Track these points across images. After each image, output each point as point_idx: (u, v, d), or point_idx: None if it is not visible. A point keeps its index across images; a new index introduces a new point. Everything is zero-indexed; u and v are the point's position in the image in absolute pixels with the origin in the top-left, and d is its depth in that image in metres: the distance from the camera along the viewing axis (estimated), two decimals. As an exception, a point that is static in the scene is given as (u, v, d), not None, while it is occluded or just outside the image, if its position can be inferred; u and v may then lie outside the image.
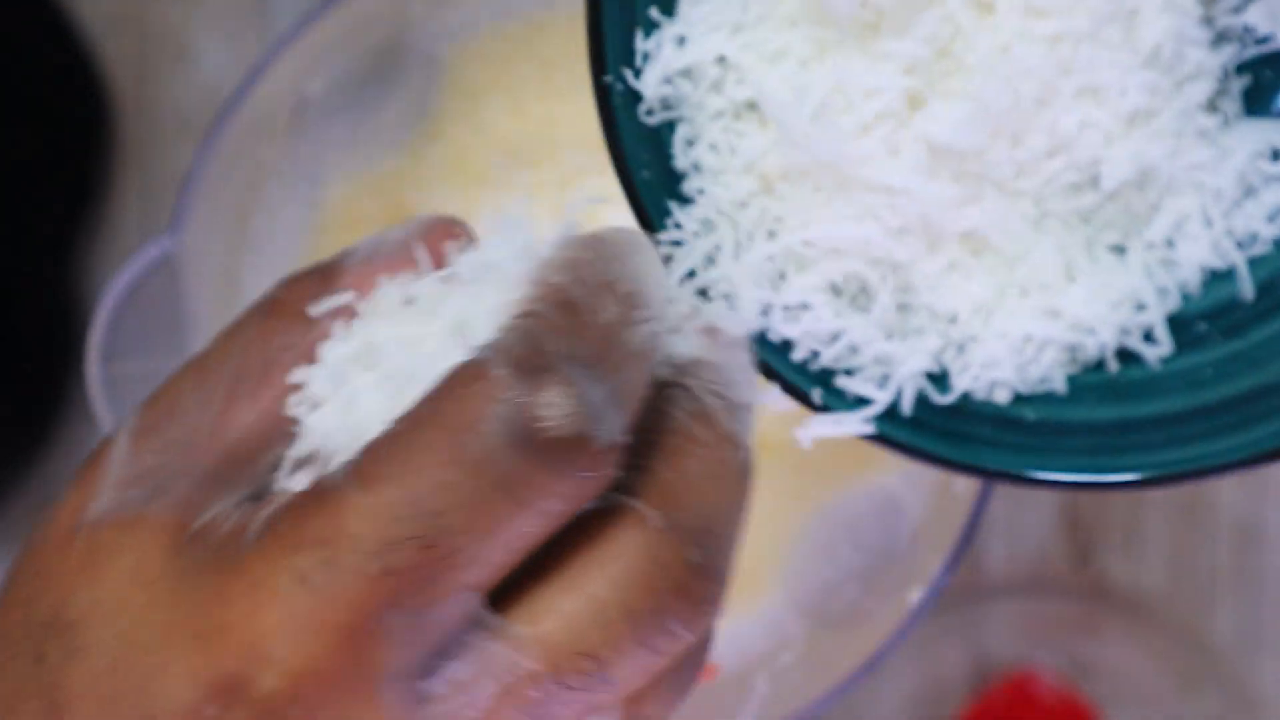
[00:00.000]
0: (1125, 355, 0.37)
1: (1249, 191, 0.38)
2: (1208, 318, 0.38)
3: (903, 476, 0.52)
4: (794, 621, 0.53)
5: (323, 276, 0.31)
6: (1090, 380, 0.37)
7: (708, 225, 0.35)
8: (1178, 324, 0.37)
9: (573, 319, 0.27)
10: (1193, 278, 0.38)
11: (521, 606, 0.27)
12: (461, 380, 0.26)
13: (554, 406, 0.26)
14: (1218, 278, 0.38)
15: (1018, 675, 0.64)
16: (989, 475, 0.37)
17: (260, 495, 0.29)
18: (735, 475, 0.29)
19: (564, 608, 0.27)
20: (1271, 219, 0.37)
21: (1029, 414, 0.37)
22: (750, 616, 0.53)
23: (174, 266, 0.49)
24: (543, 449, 0.26)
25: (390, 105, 0.53)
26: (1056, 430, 0.37)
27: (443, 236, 0.31)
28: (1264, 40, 0.38)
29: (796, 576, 0.53)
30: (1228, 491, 0.67)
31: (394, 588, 0.26)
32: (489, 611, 0.27)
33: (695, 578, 0.28)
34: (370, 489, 0.26)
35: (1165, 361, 0.37)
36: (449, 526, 0.26)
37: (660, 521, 0.27)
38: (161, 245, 0.48)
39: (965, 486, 0.50)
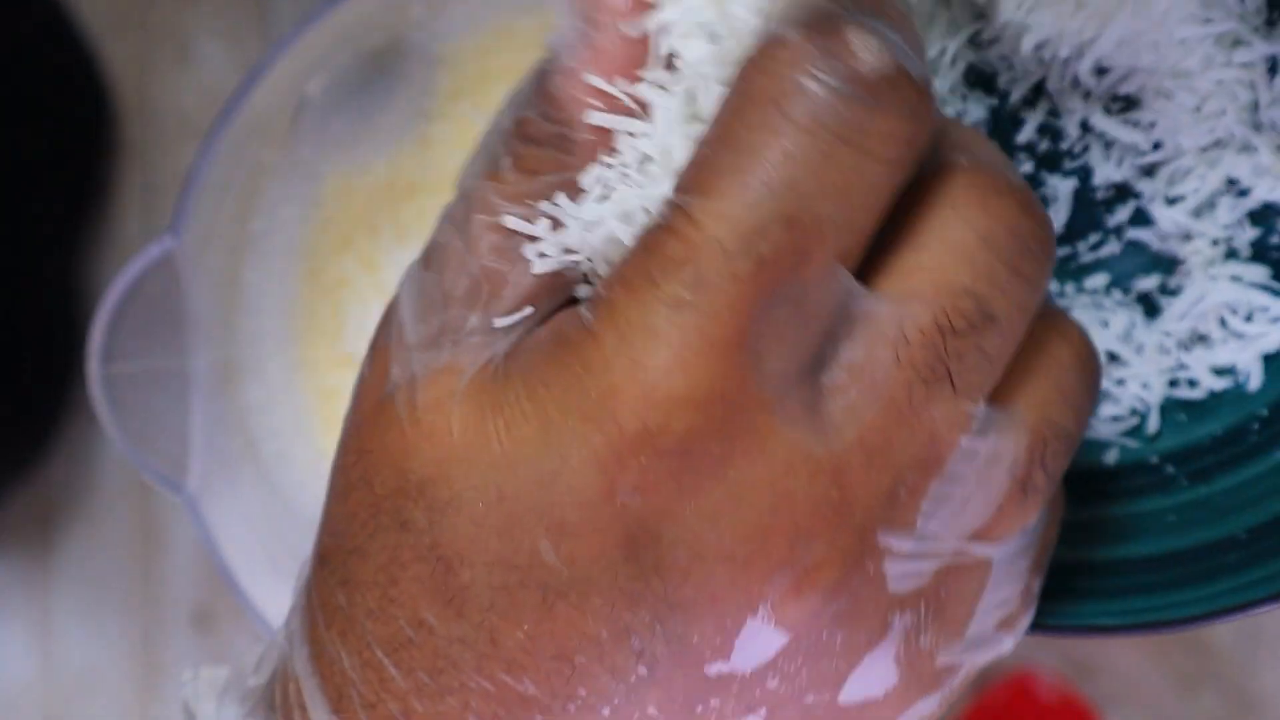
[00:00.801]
0: (1094, 493, 0.37)
1: (1199, 339, 0.37)
2: (1176, 461, 0.37)
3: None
4: None
5: (547, 101, 0.28)
6: None
7: None
8: (1146, 466, 0.37)
9: None
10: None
11: (884, 275, 0.26)
12: (762, 57, 0.25)
13: (863, 48, 0.25)
14: (1190, 417, 0.37)
15: (1018, 675, 0.64)
16: None
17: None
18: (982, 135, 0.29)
19: (926, 261, 0.26)
20: (1219, 373, 0.37)
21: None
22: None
23: (174, 266, 0.49)
24: (871, 88, 0.25)
25: (390, 105, 0.53)
26: None
27: None
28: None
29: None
30: (1227, 491, 0.67)
31: (771, 278, 0.25)
32: (862, 285, 0.26)
33: (1024, 190, 0.27)
34: (712, 191, 0.25)
35: (1132, 503, 0.37)
36: (806, 194, 0.25)
37: (967, 159, 0.27)
38: (162, 245, 0.48)
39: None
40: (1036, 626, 0.33)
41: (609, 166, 0.28)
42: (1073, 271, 0.38)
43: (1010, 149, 0.38)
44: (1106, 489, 0.37)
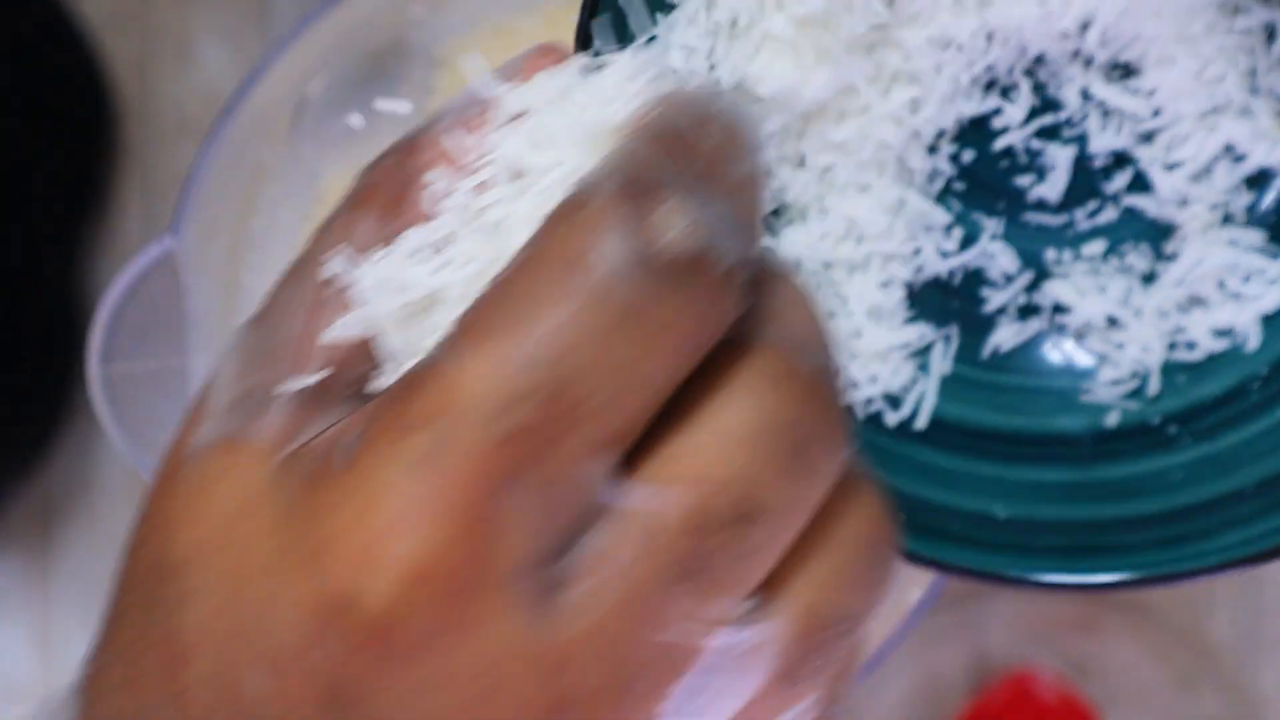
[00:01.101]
0: (1100, 454, 0.37)
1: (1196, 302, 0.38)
2: (1179, 420, 0.37)
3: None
4: None
5: (406, 152, 0.27)
6: (1062, 479, 0.37)
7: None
8: (1148, 427, 0.37)
9: (676, 144, 0.25)
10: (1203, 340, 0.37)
11: (650, 459, 0.24)
12: (566, 213, 0.24)
13: (669, 225, 0.24)
14: (1190, 378, 0.37)
15: (1017, 675, 0.64)
16: (959, 573, 0.36)
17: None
18: (811, 298, 0.27)
19: (693, 449, 0.24)
20: (1218, 335, 0.37)
21: (999, 511, 0.37)
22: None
23: (174, 266, 0.49)
24: (665, 271, 0.23)
25: (390, 105, 0.53)
26: (1027, 528, 0.36)
27: (535, 68, 0.27)
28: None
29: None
30: (1227, 491, 0.67)
31: (518, 455, 0.23)
32: (622, 471, 0.24)
33: (815, 376, 0.25)
34: (480, 346, 0.23)
35: (1136, 463, 0.37)
36: (574, 371, 0.23)
37: (769, 336, 0.25)
38: (163, 245, 0.48)
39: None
40: (1047, 584, 0.33)
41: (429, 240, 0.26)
42: (1070, 239, 0.38)
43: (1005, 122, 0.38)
44: (1110, 450, 0.37)
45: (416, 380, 0.24)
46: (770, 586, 0.25)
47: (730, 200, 0.25)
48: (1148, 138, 0.38)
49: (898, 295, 0.38)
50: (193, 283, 0.49)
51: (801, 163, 0.37)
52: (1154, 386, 0.37)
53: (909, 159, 0.37)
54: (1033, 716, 0.63)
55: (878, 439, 0.37)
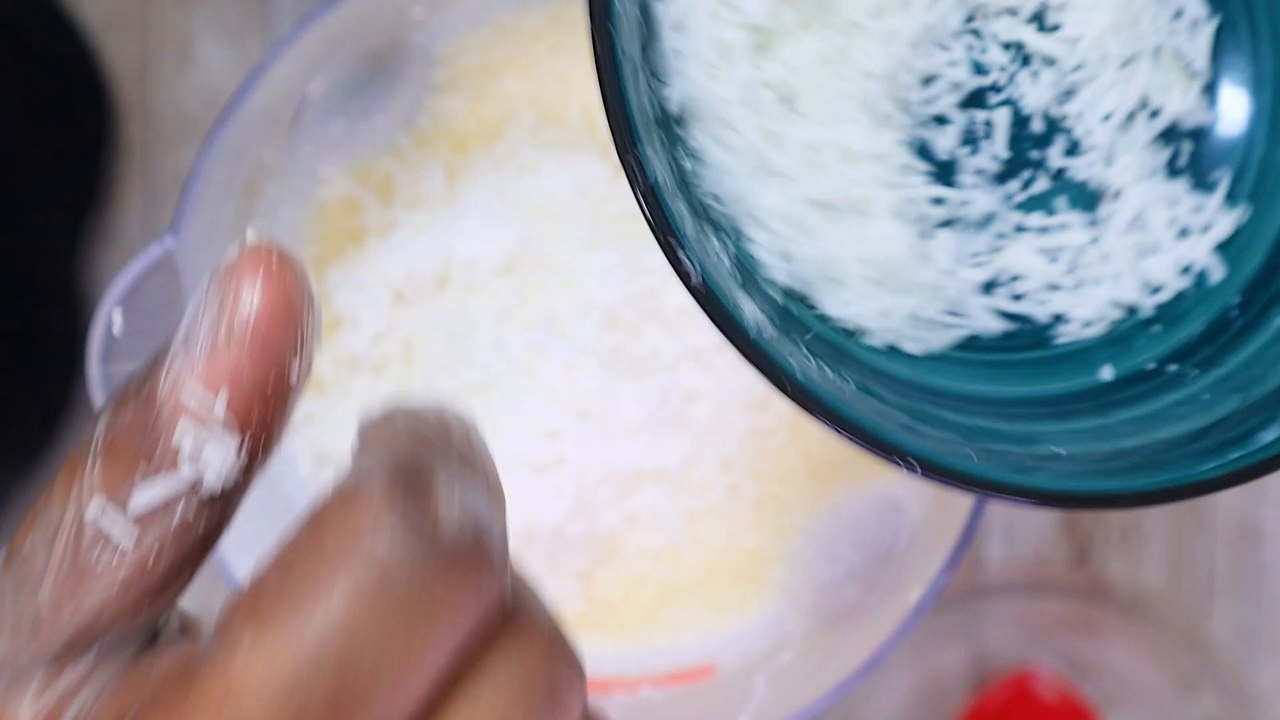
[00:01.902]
0: (1113, 402, 0.37)
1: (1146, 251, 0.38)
2: (1174, 360, 0.37)
3: (902, 476, 0.52)
4: (794, 621, 0.53)
5: (145, 401, 0.26)
6: (1091, 425, 0.37)
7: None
8: (1146, 372, 0.37)
9: (432, 430, 0.25)
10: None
11: None
12: (340, 500, 0.24)
13: (447, 514, 0.24)
14: (1165, 326, 0.38)
15: (1017, 675, 0.64)
16: (1051, 501, 0.35)
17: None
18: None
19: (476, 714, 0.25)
20: (1182, 273, 0.37)
21: (1057, 448, 0.37)
22: (750, 616, 0.53)
23: (174, 266, 0.49)
24: (447, 554, 0.24)
25: (390, 105, 0.53)
26: (1088, 459, 0.36)
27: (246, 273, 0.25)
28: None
29: (796, 576, 0.53)
30: (1227, 492, 0.67)
31: None
32: None
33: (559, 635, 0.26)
34: (259, 634, 0.23)
35: (1156, 399, 0.37)
36: (358, 657, 0.23)
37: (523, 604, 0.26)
38: (162, 245, 0.48)
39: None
40: (1075, 501, 0.33)
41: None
42: (1011, 209, 0.39)
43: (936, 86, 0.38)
44: (1122, 397, 0.37)
45: (192, 670, 0.24)
46: None
47: (488, 478, 0.26)
48: (1071, 93, 0.38)
49: None
50: (193, 283, 0.49)
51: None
52: (1136, 344, 0.38)
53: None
54: (1033, 716, 0.63)
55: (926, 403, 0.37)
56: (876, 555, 0.53)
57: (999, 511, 0.65)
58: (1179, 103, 0.37)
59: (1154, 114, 0.38)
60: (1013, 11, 0.38)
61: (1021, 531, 0.65)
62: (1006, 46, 0.38)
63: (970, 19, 0.38)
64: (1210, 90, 0.38)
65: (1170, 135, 0.38)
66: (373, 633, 0.23)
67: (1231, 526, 0.67)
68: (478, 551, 0.24)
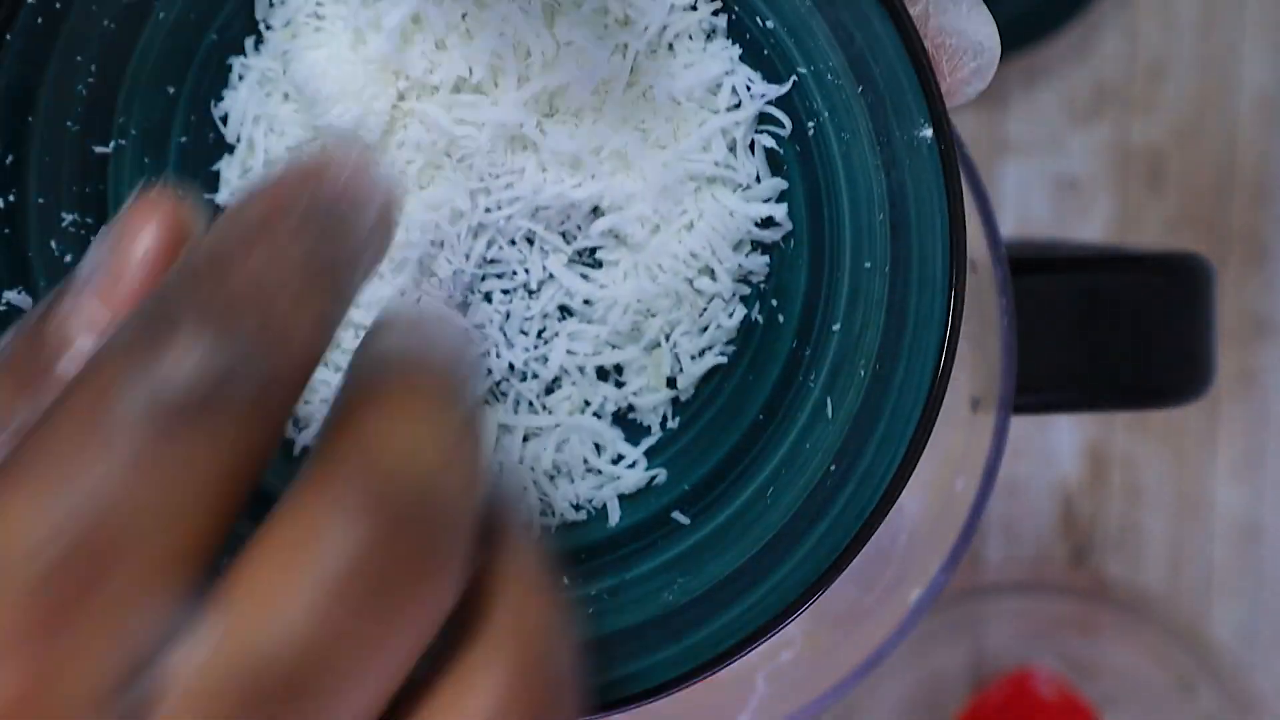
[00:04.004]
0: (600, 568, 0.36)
1: None
2: (678, 508, 0.36)
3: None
4: (793, 621, 0.53)
5: (42, 321, 0.27)
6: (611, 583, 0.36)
7: None
8: (650, 520, 0.37)
9: (214, 262, 0.24)
10: None
11: (231, 588, 0.24)
12: (94, 359, 0.24)
13: (180, 364, 0.23)
14: (625, 511, 0.37)
15: (1016, 674, 0.64)
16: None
17: None
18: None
19: (280, 580, 0.24)
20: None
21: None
22: (750, 615, 0.53)
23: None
24: (173, 417, 0.23)
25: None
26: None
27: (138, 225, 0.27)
28: None
29: (796, 576, 0.53)
30: (1226, 491, 0.67)
31: (66, 590, 0.23)
32: (203, 597, 0.24)
33: (416, 505, 0.24)
34: (9, 497, 0.23)
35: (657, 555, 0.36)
36: (106, 506, 0.23)
37: (347, 454, 0.24)
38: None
39: (965, 486, 0.50)
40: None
41: None
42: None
43: None
44: (621, 551, 0.36)
45: None
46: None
47: (249, 331, 0.24)
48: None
49: None
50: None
51: None
52: (613, 515, 0.36)
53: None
54: (1032, 716, 0.64)
55: None
56: (876, 555, 0.53)
57: (999, 511, 0.65)
58: (644, 398, 0.36)
59: (619, 384, 0.36)
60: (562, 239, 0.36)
61: (1021, 531, 0.65)
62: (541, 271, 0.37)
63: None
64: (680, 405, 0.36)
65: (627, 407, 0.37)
66: (119, 487, 0.23)
67: (1231, 526, 0.67)
68: (213, 412, 0.23)
